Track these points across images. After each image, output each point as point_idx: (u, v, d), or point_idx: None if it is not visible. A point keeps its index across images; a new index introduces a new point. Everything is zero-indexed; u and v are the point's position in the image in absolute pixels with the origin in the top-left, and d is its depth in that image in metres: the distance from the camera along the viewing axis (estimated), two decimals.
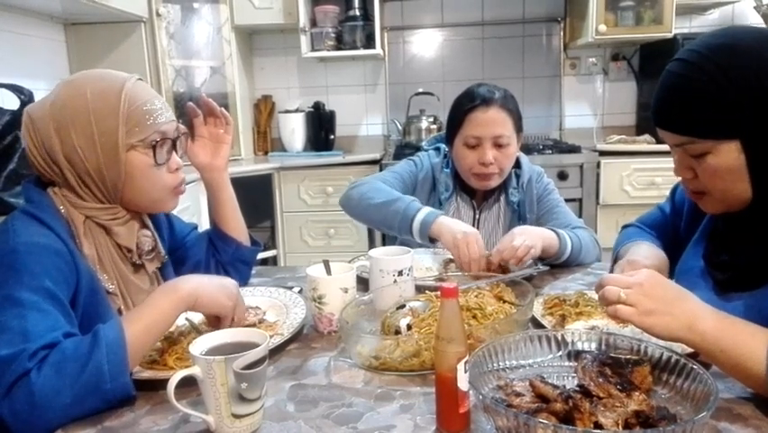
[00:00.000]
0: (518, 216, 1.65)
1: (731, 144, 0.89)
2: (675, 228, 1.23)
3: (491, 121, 1.56)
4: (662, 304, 0.82)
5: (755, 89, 0.86)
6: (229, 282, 1.03)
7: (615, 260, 1.27)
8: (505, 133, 1.56)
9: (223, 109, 1.32)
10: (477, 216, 1.69)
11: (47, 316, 0.88)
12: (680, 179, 1.02)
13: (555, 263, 1.46)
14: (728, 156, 0.90)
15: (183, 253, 1.32)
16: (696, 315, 0.82)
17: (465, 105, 1.59)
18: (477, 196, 1.70)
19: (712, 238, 1.07)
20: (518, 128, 1.62)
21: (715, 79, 0.88)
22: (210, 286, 0.99)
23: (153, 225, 1.22)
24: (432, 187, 1.71)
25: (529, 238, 1.35)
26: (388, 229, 1.59)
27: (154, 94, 1.10)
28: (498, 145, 1.57)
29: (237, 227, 1.36)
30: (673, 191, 1.27)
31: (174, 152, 1.13)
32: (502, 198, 1.69)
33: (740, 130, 0.88)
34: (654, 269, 1.06)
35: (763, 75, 0.86)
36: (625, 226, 1.37)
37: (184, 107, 1.28)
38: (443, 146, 1.74)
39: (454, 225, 1.43)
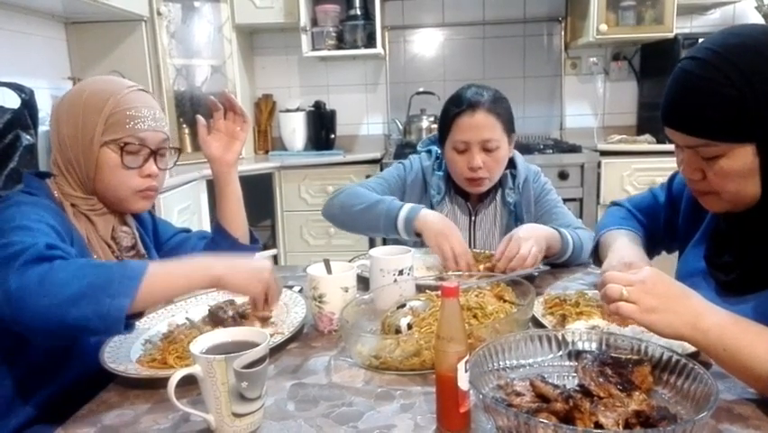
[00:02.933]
0: (515, 218, 1.64)
1: (746, 148, 0.87)
2: (669, 218, 1.22)
3: (478, 126, 1.54)
4: (664, 301, 0.82)
5: None
6: (262, 267, 1.04)
7: (597, 242, 1.28)
8: (493, 137, 1.54)
9: (242, 107, 1.36)
10: (473, 219, 1.68)
11: (52, 239, 0.95)
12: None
13: (556, 262, 1.45)
14: (743, 159, 0.88)
15: (166, 254, 1.35)
16: (699, 312, 0.82)
17: (452, 110, 1.58)
18: (472, 198, 1.69)
19: (714, 238, 1.06)
20: (509, 130, 1.59)
21: (734, 82, 0.85)
22: (241, 271, 1.00)
23: (140, 226, 1.28)
24: (423, 189, 1.70)
25: (536, 243, 1.35)
26: (374, 232, 1.60)
27: (147, 104, 1.16)
28: (486, 150, 1.55)
29: (237, 223, 1.37)
30: (670, 181, 1.25)
31: (154, 161, 1.17)
32: (498, 199, 1.68)
33: (758, 134, 0.86)
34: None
35: None
36: (614, 203, 1.36)
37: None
38: (435, 148, 1.73)
39: (436, 221, 1.44)
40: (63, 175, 1.14)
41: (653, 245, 1.25)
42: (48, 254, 0.88)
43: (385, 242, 1.86)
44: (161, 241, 1.36)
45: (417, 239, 1.51)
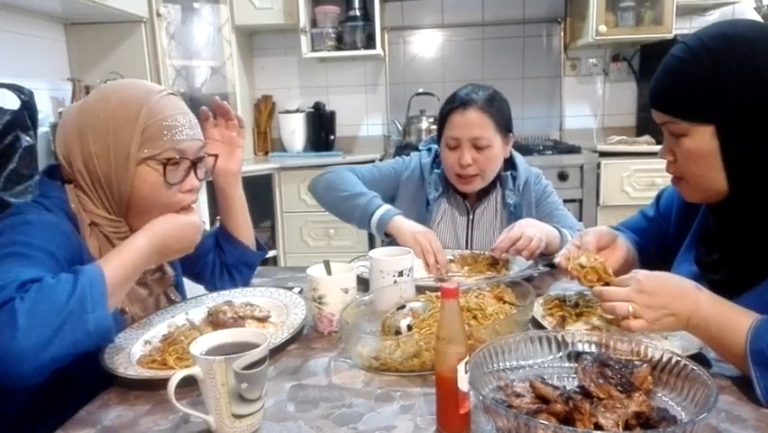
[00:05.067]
0: (515, 219, 1.64)
1: (706, 129, 0.92)
2: (661, 232, 1.24)
3: (469, 123, 1.55)
4: (661, 308, 0.87)
5: (738, 78, 0.89)
6: (186, 223, 1.04)
7: None
8: (484, 135, 1.55)
9: (238, 113, 1.31)
10: (470, 217, 1.68)
11: (47, 269, 0.88)
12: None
13: (555, 262, 1.45)
14: (702, 140, 0.93)
15: (192, 253, 1.31)
16: (693, 307, 0.87)
17: (446, 107, 1.61)
18: (469, 197, 1.69)
19: (704, 239, 1.08)
20: (504, 130, 1.60)
21: (701, 63, 0.91)
22: (173, 241, 1.01)
23: None
24: (419, 186, 1.71)
25: (538, 231, 1.37)
26: (349, 221, 1.64)
27: (181, 110, 1.07)
28: (476, 147, 1.56)
29: (246, 231, 1.36)
30: (658, 197, 1.28)
31: (194, 173, 1.08)
32: (498, 200, 1.68)
33: (716, 115, 0.91)
34: (597, 234, 1.13)
35: (749, 65, 0.88)
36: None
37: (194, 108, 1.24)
38: (435, 146, 1.74)
39: (411, 224, 1.49)
40: (87, 193, 1.04)
41: (645, 264, 1.26)
42: (16, 295, 0.79)
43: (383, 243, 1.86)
44: None
45: (386, 239, 1.55)
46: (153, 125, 1.02)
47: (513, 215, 1.65)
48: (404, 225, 1.49)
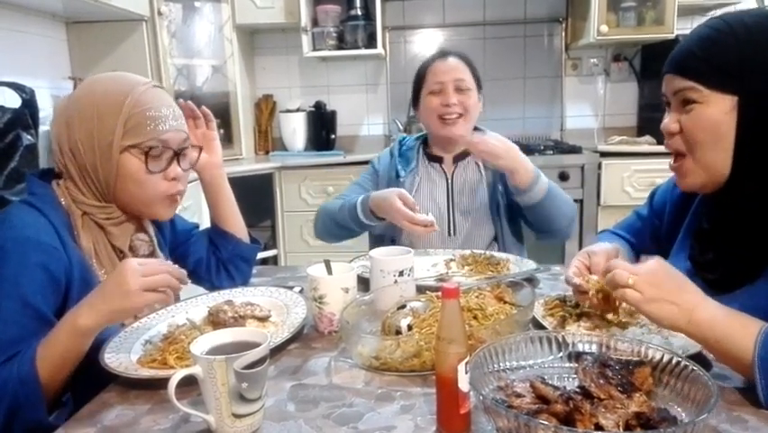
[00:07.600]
0: (500, 176, 1.66)
1: (726, 99, 0.91)
2: (656, 230, 1.23)
3: (451, 67, 1.69)
4: (666, 293, 0.85)
5: None
6: (121, 273, 0.91)
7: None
8: (465, 77, 1.68)
9: (203, 107, 1.33)
10: (450, 182, 1.74)
11: (11, 327, 0.91)
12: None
13: (524, 200, 1.53)
14: (719, 108, 0.92)
15: (184, 250, 1.33)
16: (695, 305, 0.84)
17: (425, 62, 1.75)
18: (446, 163, 1.76)
19: (698, 238, 1.08)
20: (478, 84, 1.72)
21: (737, 35, 0.90)
22: (111, 303, 0.91)
23: (156, 225, 1.23)
24: (392, 167, 1.77)
25: (502, 152, 1.47)
26: (348, 231, 1.71)
27: (166, 102, 1.10)
28: (459, 89, 1.67)
29: (237, 225, 1.37)
30: (652, 195, 1.28)
31: (177, 163, 1.12)
32: (478, 163, 1.73)
33: (744, 86, 0.90)
34: (606, 255, 1.10)
35: None
36: (601, 232, 1.38)
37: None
38: (402, 135, 1.86)
39: (385, 192, 1.54)
40: (75, 183, 1.07)
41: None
42: None
43: (384, 242, 1.87)
44: (181, 236, 1.34)
45: (377, 221, 1.58)
46: (137, 115, 1.05)
47: (498, 173, 1.68)
48: (379, 199, 1.53)
